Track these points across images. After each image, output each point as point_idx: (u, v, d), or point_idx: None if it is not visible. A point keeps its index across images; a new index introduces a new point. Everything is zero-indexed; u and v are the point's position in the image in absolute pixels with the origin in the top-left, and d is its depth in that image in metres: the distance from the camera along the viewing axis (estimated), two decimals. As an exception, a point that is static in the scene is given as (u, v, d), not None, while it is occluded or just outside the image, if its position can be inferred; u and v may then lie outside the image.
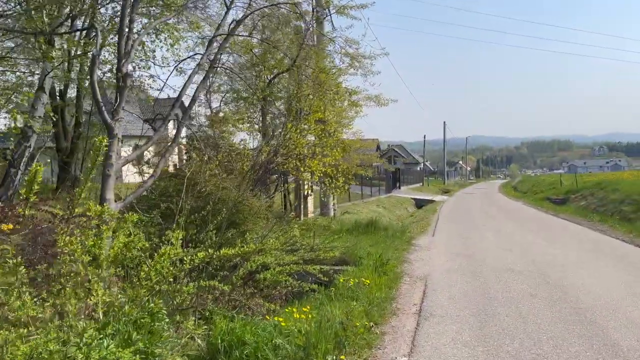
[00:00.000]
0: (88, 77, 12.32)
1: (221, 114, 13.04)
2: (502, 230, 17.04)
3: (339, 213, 21.22)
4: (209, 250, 5.94)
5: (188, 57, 8.62)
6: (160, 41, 9.28)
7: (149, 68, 12.61)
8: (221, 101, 16.31)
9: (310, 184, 17.55)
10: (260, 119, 15.87)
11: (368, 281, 7.59)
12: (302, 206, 16.69)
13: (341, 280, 7.76)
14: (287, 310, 5.85)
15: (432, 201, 36.84)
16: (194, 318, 6.27)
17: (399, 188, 47.12)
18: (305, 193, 17.28)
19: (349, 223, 16.55)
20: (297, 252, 8.39)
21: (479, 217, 23.17)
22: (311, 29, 15.14)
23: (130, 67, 6.39)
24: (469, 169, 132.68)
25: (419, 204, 35.90)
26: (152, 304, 5.19)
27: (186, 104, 8.66)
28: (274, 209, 18.77)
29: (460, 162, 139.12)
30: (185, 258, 5.76)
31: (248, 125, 16.10)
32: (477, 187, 74.90)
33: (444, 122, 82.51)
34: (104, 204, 6.33)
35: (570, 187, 34.19)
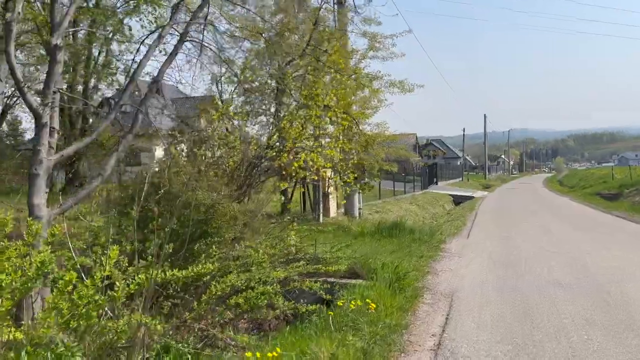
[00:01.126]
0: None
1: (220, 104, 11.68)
2: (548, 230, 15.05)
3: (365, 212, 19.62)
4: (154, 272, 4.54)
5: (154, 32, 7.16)
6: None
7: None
8: (232, 92, 14.96)
9: (330, 179, 16.04)
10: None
11: (373, 306, 6.01)
12: (321, 205, 15.20)
13: (340, 303, 6.22)
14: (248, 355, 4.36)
15: (471, 197, 34.64)
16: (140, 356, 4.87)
17: (436, 184, 44.94)
18: (326, 190, 15.78)
19: (372, 224, 14.94)
20: (295, 265, 6.90)
21: (520, 214, 21.07)
22: (327, 5, 13.63)
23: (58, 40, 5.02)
24: (511, 163, 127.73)
25: (457, 200, 33.79)
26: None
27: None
28: (292, 209, 17.42)
29: (503, 156, 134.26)
30: (118, 283, 4.38)
31: (264, 119, 14.76)
32: (520, 181, 71.42)
33: (485, 115, 79.23)
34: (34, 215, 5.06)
35: (623, 181, 31.41)
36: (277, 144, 7.12)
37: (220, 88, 14.21)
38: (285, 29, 13.27)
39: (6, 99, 17.01)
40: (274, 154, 6.95)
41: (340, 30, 13.73)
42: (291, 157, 6.89)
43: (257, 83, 14.18)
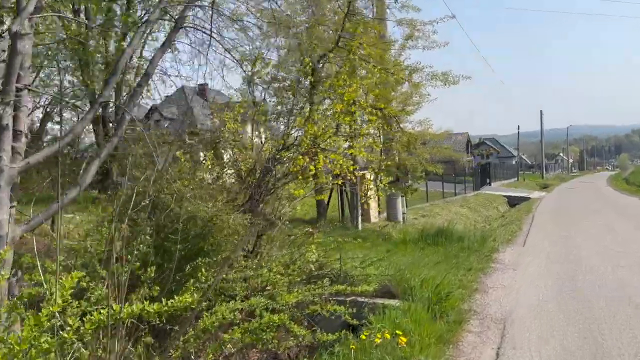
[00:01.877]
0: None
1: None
2: (616, 236, 13.31)
3: (410, 217, 18.35)
4: (117, 307, 3.65)
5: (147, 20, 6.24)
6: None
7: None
8: (264, 91, 14.11)
9: (369, 180, 14.93)
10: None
11: (404, 340, 4.90)
12: (359, 210, 14.11)
13: (364, 335, 5.15)
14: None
15: (527, 198, 32.45)
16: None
17: (490, 184, 42.71)
18: (365, 194, 14.68)
19: (416, 231, 13.69)
20: (312, 287, 5.88)
21: (583, 217, 19.13)
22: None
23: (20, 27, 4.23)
24: (571, 161, 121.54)
25: (512, 202, 31.71)
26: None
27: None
28: (328, 216, 16.41)
29: (561, 153, 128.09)
30: (70, 320, 3.51)
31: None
32: (581, 180, 67.30)
33: (541, 111, 75.41)
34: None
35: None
36: (294, 144, 6.11)
37: (252, 88, 13.41)
38: (316, 21, 12.31)
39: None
40: (290, 155, 5.96)
41: (378, 19, 12.62)
42: (307, 160, 5.89)
43: (288, 82, 13.32)
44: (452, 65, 13.83)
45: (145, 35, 5.12)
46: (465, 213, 23.17)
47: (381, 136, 15.24)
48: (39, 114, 17.51)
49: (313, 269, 6.07)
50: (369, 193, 15.54)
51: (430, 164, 14.46)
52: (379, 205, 17.81)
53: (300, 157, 5.90)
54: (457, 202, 26.28)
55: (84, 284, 4.17)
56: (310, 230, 6.88)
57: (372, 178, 15.16)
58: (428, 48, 11.85)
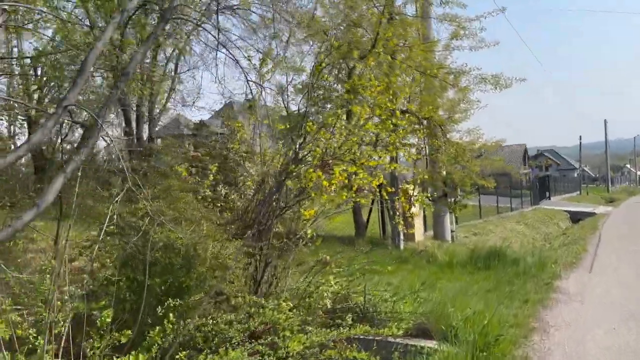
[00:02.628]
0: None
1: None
2: None
3: (461, 235, 16.92)
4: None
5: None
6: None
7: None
8: (301, 100, 13.24)
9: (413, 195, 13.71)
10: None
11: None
12: (400, 227, 12.90)
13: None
14: None
15: (592, 214, 29.94)
16: None
17: (549, 198, 40.09)
18: (408, 210, 13.48)
19: (465, 251, 12.35)
20: (326, 331, 4.82)
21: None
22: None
23: None
24: (639, 173, 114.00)
25: (575, 217, 29.36)
26: None
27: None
28: (369, 233, 15.24)
29: (628, 165, 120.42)
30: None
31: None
32: (651, 194, 62.51)
33: (605, 121, 71.07)
34: None
35: None
36: (308, 155, 5.12)
37: (286, 98, 12.58)
38: (352, 23, 11.36)
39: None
40: (301, 168, 4.97)
41: (419, 17, 11.51)
42: (319, 174, 4.88)
43: (321, 90, 12.41)
44: (501, 69, 12.51)
45: (122, 27, 4.33)
46: (522, 230, 21.39)
47: (426, 147, 14.05)
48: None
49: (328, 305, 5.01)
50: (412, 209, 14.31)
51: (481, 178, 13.09)
52: (425, 222, 16.50)
53: (311, 170, 4.91)
54: (513, 218, 24.43)
55: (20, 332, 3.33)
56: (326, 259, 5.81)
57: (416, 192, 13.95)
58: (475, 48, 10.65)
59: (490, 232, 18.72)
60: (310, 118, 6.24)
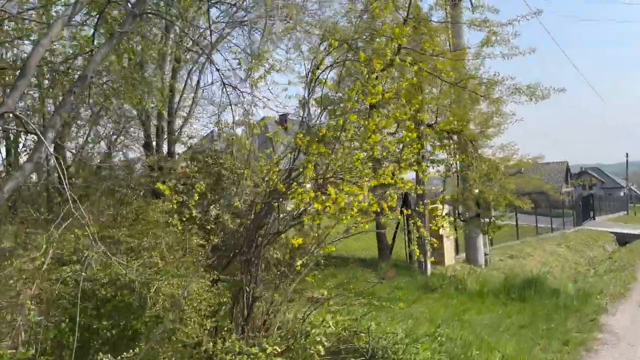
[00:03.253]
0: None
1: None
2: None
3: (495, 258, 15.75)
4: None
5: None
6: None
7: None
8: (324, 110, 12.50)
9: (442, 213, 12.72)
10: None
11: None
12: (426, 250, 11.92)
13: None
14: None
15: (640, 236, 27.96)
16: None
17: (593, 219, 37.93)
18: (436, 231, 12.51)
19: (498, 278, 11.29)
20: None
21: None
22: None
23: None
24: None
25: (622, 239, 27.41)
26: None
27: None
28: (394, 255, 14.26)
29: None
30: None
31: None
32: None
33: (654, 137, 67.49)
34: None
35: None
36: (299, 173, 4.36)
37: (308, 111, 11.87)
38: (375, 31, 10.61)
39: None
40: (290, 187, 4.20)
41: (447, 23, 10.63)
42: (310, 194, 4.11)
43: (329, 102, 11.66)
44: (536, 78, 11.35)
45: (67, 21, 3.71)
46: (563, 253, 19.92)
47: (457, 163, 13.08)
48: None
49: (321, 352, 4.19)
50: (441, 231, 13.32)
51: (517, 197, 11.99)
52: (457, 244, 15.43)
53: (300, 190, 4.15)
54: (554, 239, 22.89)
55: None
56: (318, 295, 4.99)
57: (445, 212, 12.97)
58: (508, 56, 9.69)
59: (528, 255, 17.40)
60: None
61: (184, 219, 5.07)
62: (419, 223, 5.59)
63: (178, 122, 16.33)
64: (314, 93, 6.27)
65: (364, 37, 10.85)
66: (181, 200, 5.13)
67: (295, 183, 4.50)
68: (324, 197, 4.16)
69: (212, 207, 5.46)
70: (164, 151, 16.14)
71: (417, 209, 10.76)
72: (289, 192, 4.21)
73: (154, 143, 15.29)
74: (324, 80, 4.65)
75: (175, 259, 3.95)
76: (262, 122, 6.00)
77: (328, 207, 4.11)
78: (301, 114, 8.97)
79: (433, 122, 12.16)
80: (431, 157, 12.82)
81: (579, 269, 17.97)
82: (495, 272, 13.38)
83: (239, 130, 6.25)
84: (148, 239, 3.93)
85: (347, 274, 11.20)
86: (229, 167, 5.45)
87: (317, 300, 4.91)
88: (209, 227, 5.38)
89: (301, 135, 4.33)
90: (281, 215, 4.79)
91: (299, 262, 4.32)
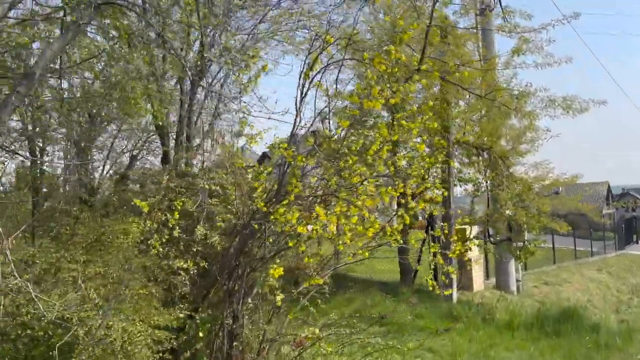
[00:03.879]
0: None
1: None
2: None
3: (529, 284, 14.69)
4: None
5: None
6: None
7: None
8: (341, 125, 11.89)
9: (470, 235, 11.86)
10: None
11: None
12: (452, 275, 11.09)
13: None
14: None
15: (689, 263, 26.06)
16: None
17: (637, 242, 35.87)
18: (463, 254, 11.65)
19: (532, 307, 10.33)
20: None
21: None
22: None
23: None
24: None
25: (669, 266, 25.65)
26: None
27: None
28: (419, 279, 13.39)
29: None
30: None
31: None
32: None
33: (702, 157, 64.19)
34: None
35: None
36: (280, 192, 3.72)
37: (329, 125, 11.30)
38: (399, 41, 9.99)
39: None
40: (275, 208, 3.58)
41: (478, 30, 9.90)
42: (295, 216, 3.48)
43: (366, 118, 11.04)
44: (572, 91, 10.27)
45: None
46: (604, 280, 18.57)
47: (486, 182, 12.24)
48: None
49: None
50: (469, 254, 12.43)
51: (552, 220, 11.02)
52: (487, 267, 14.46)
53: (282, 210, 3.53)
54: (594, 264, 21.46)
55: None
56: (310, 334, 4.29)
57: (474, 235, 12.10)
58: (542, 66, 8.86)
59: (565, 281, 16.20)
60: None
61: (164, 239, 4.52)
62: (433, 249, 4.87)
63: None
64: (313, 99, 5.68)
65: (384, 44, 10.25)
66: (162, 218, 4.57)
67: (284, 202, 3.88)
68: (310, 219, 3.53)
69: (198, 226, 4.88)
70: (182, 165, 15.72)
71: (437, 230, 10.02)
72: (271, 213, 3.59)
73: (172, 157, 14.91)
74: (318, 83, 4.02)
75: (123, 291, 3.36)
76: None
77: (314, 231, 3.48)
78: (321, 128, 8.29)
79: (461, 138, 11.40)
80: (459, 175, 12.05)
81: (621, 298, 16.67)
82: (528, 301, 12.38)
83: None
84: (95, 265, 3.37)
85: (365, 300, 10.47)
86: (218, 182, 4.88)
87: (301, 345, 4.23)
88: (194, 250, 4.81)
89: (285, 145, 3.72)
90: (270, 239, 4.17)
91: (279, 298, 3.67)
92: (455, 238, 5.88)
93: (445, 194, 5.64)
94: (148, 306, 3.39)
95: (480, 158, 11.60)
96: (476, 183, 11.78)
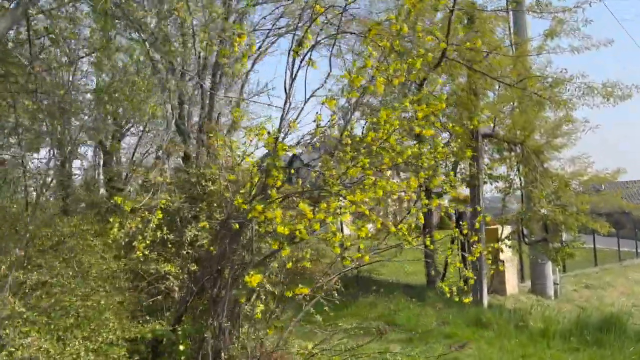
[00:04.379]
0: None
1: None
2: None
3: (568, 287, 13.78)
4: None
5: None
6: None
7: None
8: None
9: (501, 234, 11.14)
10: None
11: None
12: (483, 279, 10.42)
13: None
14: None
15: None
16: None
17: (687, 243, 33.81)
18: (495, 255, 10.96)
19: (569, 314, 9.51)
20: None
21: None
22: None
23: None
24: None
25: None
26: None
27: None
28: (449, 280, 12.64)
29: None
30: None
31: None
32: None
33: None
34: None
35: None
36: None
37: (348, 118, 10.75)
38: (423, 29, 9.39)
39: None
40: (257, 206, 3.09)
41: (510, 12, 9.16)
42: (277, 214, 2.98)
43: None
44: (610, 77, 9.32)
45: None
46: (651, 283, 17.34)
47: (520, 178, 11.47)
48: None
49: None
50: (504, 254, 11.69)
51: (593, 219, 10.15)
52: (522, 269, 13.65)
53: (259, 207, 3.03)
54: (640, 266, 20.17)
55: None
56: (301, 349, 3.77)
57: (506, 235, 11.35)
58: (578, 50, 8.07)
59: (608, 285, 15.14)
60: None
61: (148, 242, 4.09)
62: (448, 253, 4.31)
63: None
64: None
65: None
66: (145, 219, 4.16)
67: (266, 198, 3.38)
68: (293, 217, 3.04)
69: (190, 227, 4.45)
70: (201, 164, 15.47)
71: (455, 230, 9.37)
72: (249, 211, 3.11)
73: (193, 155, 14.70)
74: (309, 61, 3.50)
75: (73, 301, 2.93)
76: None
77: (298, 231, 2.97)
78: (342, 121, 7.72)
79: (491, 132, 10.67)
80: (489, 172, 11.32)
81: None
82: (567, 306, 11.53)
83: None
84: (38, 273, 2.95)
85: (389, 304, 9.90)
86: (210, 177, 4.43)
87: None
88: (184, 253, 4.38)
89: (265, 132, 3.23)
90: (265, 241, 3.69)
91: (258, 310, 3.18)
92: (476, 239, 5.21)
93: (462, 188, 4.94)
94: (100, 318, 2.96)
95: (512, 153, 10.85)
96: (508, 180, 11.03)
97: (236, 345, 3.49)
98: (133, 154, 16.20)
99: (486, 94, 10.14)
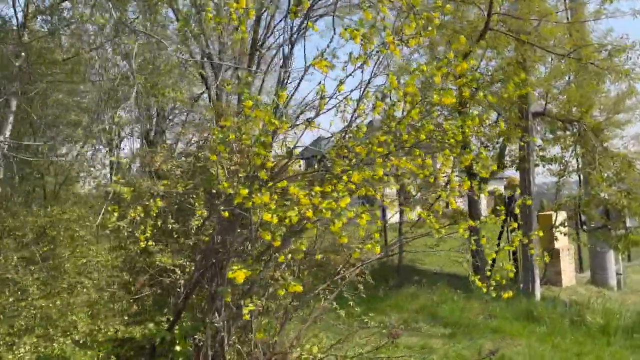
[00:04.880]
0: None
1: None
2: None
3: (634, 276, 12.69)
4: None
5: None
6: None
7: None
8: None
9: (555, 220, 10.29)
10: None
11: None
12: (535, 269, 9.66)
13: None
14: None
15: None
16: None
17: None
18: (548, 244, 10.17)
19: (634, 308, 8.63)
20: None
21: None
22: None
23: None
24: None
25: None
26: None
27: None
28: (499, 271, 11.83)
29: None
30: None
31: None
32: None
33: None
34: None
35: None
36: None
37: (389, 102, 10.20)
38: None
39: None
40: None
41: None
42: (265, 199, 2.56)
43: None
44: None
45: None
46: None
47: (576, 159, 10.56)
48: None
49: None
50: (556, 243, 10.85)
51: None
52: (580, 259, 12.68)
53: (244, 191, 2.60)
54: None
55: None
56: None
57: (561, 222, 10.48)
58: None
59: (680, 275, 13.88)
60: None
61: (149, 232, 3.78)
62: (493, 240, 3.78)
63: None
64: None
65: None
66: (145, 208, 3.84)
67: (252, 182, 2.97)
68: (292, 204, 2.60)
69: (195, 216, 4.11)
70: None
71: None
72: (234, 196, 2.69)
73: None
74: (310, 24, 3.04)
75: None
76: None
77: (288, 218, 2.54)
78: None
79: (542, 110, 9.81)
80: (541, 154, 10.47)
81: None
82: (632, 297, 10.55)
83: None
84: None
85: (431, 296, 9.33)
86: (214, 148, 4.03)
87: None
88: (190, 243, 4.05)
89: (258, 112, 2.77)
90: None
91: (247, 310, 2.77)
92: (515, 226, 4.61)
93: (494, 168, 4.28)
94: (66, 320, 2.65)
95: (567, 132, 9.96)
96: (562, 162, 10.15)
97: (232, 349, 3.12)
98: (175, 144, 16.33)
99: (537, 68, 9.29)
